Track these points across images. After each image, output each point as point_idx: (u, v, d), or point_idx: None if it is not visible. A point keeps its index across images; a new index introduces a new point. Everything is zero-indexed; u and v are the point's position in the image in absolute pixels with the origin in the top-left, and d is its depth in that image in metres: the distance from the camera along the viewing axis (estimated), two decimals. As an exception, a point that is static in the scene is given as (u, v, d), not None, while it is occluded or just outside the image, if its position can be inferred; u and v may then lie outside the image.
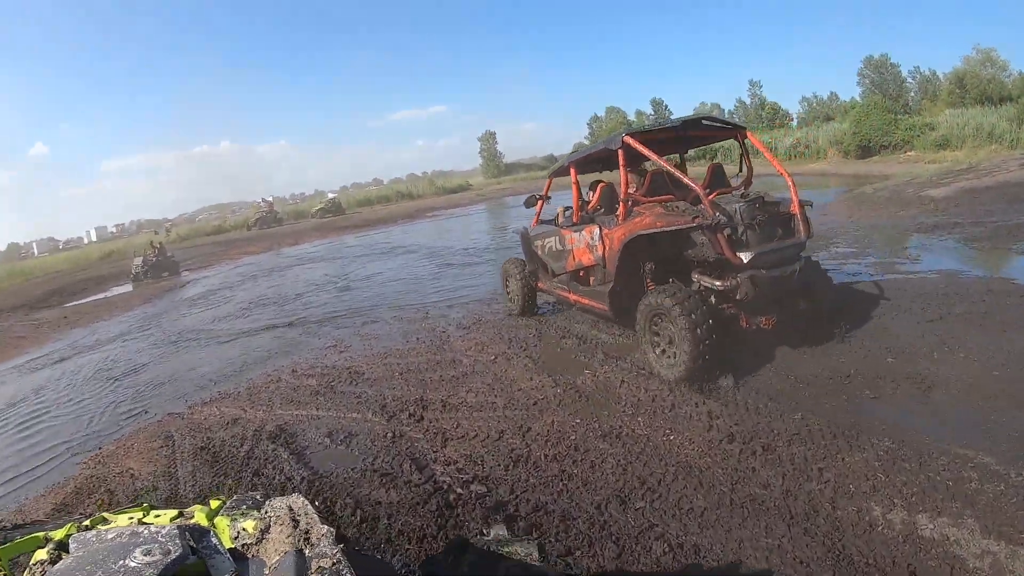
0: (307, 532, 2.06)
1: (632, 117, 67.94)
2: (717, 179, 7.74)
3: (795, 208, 6.80)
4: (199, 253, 36.99)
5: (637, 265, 7.31)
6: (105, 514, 2.41)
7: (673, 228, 6.53)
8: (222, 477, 6.10)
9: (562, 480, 5.14)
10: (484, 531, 4.44)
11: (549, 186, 10.42)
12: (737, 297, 6.57)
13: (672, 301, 6.35)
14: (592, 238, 7.84)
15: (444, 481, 5.34)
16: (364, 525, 4.79)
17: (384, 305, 13.70)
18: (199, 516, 2.30)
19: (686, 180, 6.90)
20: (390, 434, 6.50)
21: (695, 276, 6.88)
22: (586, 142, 71.51)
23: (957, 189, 17.97)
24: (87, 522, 2.28)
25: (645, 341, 6.99)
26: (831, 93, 61.76)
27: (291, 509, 2.23)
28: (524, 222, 12.03)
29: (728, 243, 6.32)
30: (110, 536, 1.86)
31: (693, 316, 6.24)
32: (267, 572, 1.88)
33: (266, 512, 2.26)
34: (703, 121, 8.16)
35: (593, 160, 8.92)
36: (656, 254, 7.16)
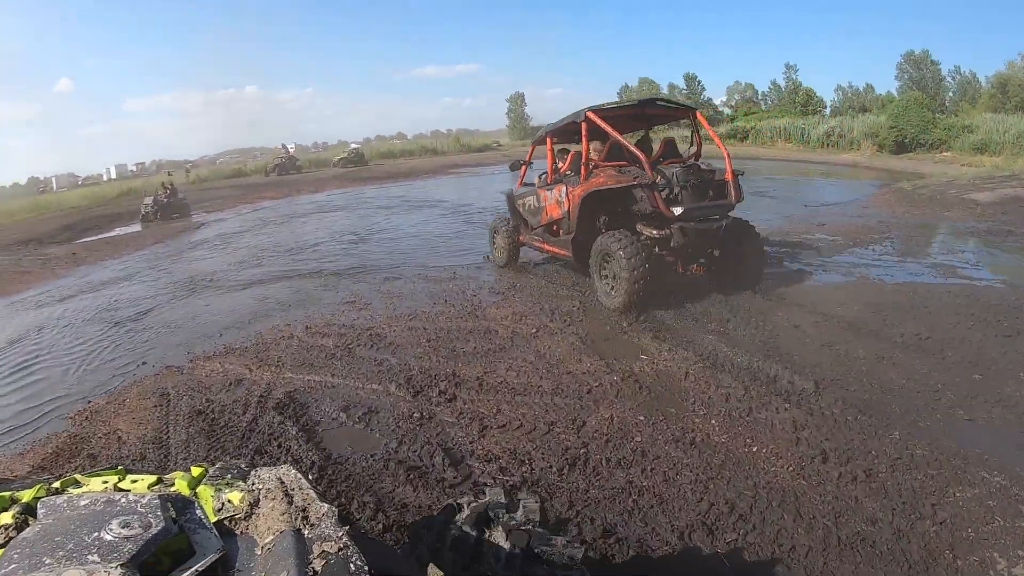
0: (304, 510, 1.81)
1: (664, 90, 66.56)
2: (670, 151, 9.31)
3: (728, 176, 8.18)
4: (217, 196, 35.96)
5: (594, 217, 8.71)
6: (77, 476, 2.13)
7: (619, 186, 8.10)
8: (219, 452, 5.27)
9: (631, 495, 4.25)
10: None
11: (532, 153, 11.63)
12: (671, 244, 8.00)
13: (616, 245, 7.80)
14: (560, 195, 9.23)
15: (485, 483, 4.43)
16: (387, 534, 3.96)
17: (407, 262, 12.89)
18: (180, 484, 2.05)
19: (633, 149, 8.28)
20: (417, 414, 5.64)
21: (638, 226, 8.25)
22: None
23: (1002, 196, 17.12)
24: (57, 484, 2.01)
25: (596, 276, 8.46)
26: (867, 84, 60.48)
27: (282, 482, 1.97)
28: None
29: (663, 200, 7.76)
30: (83, 503, 1.70)
31: (632, 258, 7.60)
32: (259, 552, 1.65)
33: (253, 483, 2.00)
34: (657, 102, 10.08)
35: (566, 131, 9.91)
36: (608, 208, 8.59)
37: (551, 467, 4.62)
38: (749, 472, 4.47)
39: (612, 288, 8.06)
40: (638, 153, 8.06)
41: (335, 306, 9.68)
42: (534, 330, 7.69)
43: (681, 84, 66.70)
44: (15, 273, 17.05)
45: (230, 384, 6.79)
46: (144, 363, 7.95)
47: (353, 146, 64.93)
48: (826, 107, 59.45)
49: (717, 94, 77.38)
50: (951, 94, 52.99)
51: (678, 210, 7.74)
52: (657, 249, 8.08)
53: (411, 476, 4.59)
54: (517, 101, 77.59)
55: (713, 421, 5.21)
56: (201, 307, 10.76)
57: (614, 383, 6.00)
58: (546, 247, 10.07)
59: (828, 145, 41.56)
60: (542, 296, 9.21)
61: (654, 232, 8.06)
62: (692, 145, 9.73)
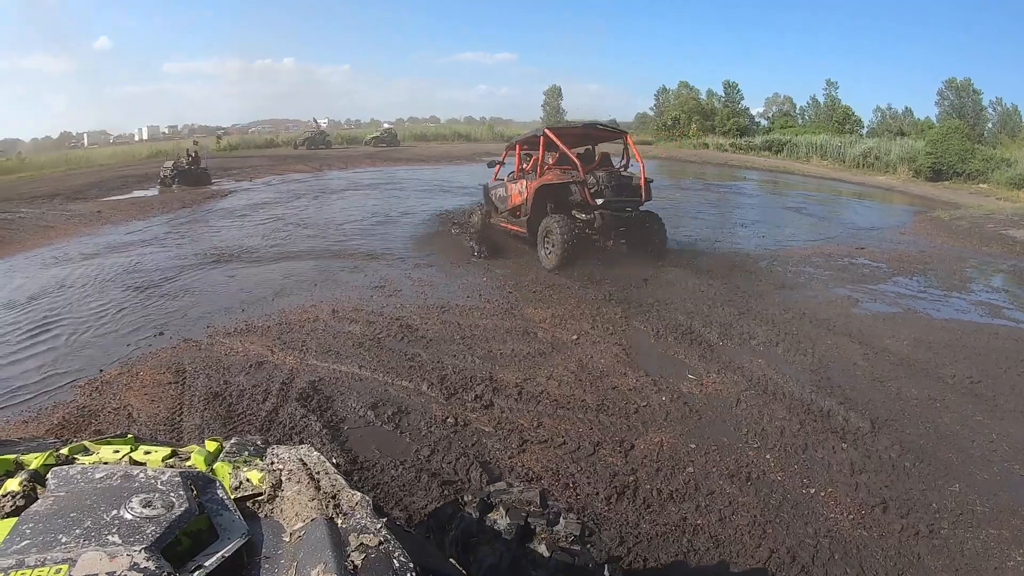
0: (334, 496, 1.69)
1: (703, 97, 66.20)
2: (605, 161, 12.08)
3: (642, 182, 11.01)
4: (247, 165, 35.49)
5: (544, 204, 11.26)
6: (87, 442, 2.07)
7: (560, 182, 11.02)
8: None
9: (686, 533, 3.96)
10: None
11: (505, 155, 13.83)
12: (595, 225, 10.74)
13: (555, 224, 10.51)
14: (522, 188, 11.81)
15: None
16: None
17: (439, 250, 12.63)
18: (196, 459, 2.00)
19: (573, 157, 11.10)
20: (451, 419, 5.35)
21: (573, 212, 10.99)
22: (650, 112, 70.83)
23: (1043, 236, 16.70)
24: (65, 450, 1.96)
25: (540, 246, 11.01)
26: (906, 108, 59.77)
27: (304, 464, 1.87)
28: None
29: (590, 193, 10.61)
30: (98, 475, 1.62)
31: (564, 234, 10.32)
32: (287, 539, 1.54)
33: (272, 462, 1.91)
34: (598, 126, 13.07)
35: (531, 142, 12.75)
36: (554, 198, 11.20)
37: (598, 494, 4.32)
38: (808, 517, 4.19)
39: (549, 253, 10.71)
40: (576, 160, 11.04)
41: (364, 290, 9.42)
42: (575, 336, 7.40)
43: (720, 91, 66.24)
44: (39, 227, 16.85)
45: (250, 366, 6.51)
46: (161, 333, 7.69)
47: (386, 125, 64.55)
48: (863, 127, 59.02)
49: (755, 104, 76.68)
50: (990, 125, 52.36)
51: (600, 201, 10.59)
52: (587, 229, 10.90)
53: (444, 492, 4.30)
54: (553, 94, 77.09)
55: (768, 455, 4.91)
56: (224, 278, 10.52)
57: (663, 404, 5.71)
58: (509, 227, 12.53)
59: (863, 166, 40.98)
60: (581, 300, 8.95)
61: (583, 216, 10.90)
62: (623, 158, 12.31)
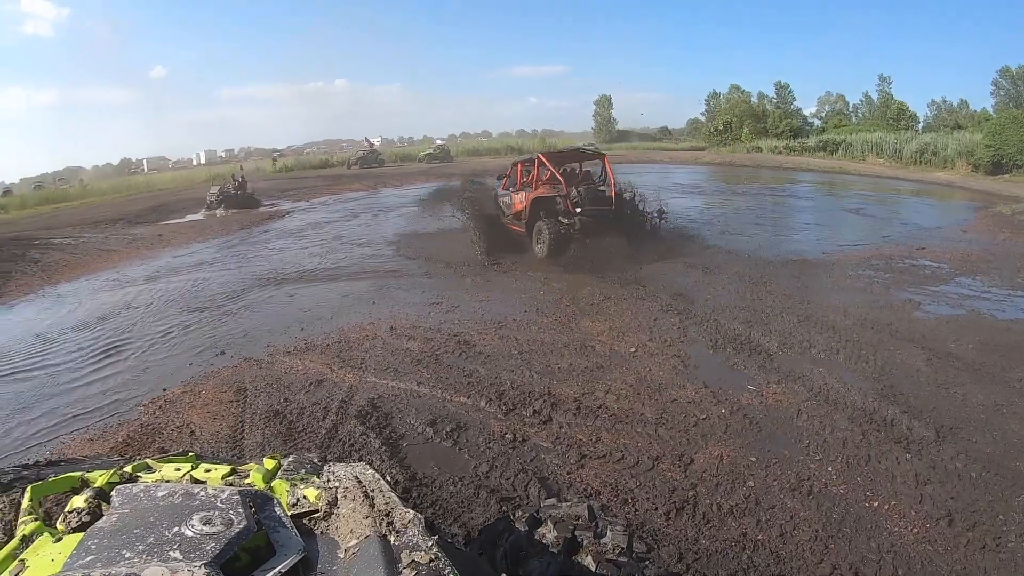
0: (388, 514, 1.76)
1: (754, 99, 65.40)
2: (586, 177, 14.74)
3: (612, 193, 13.46)
4: (303, 185, 36.44)
5: (537, 211, 13.62)
6: (149, 460, 2.20)
7: (548, 195, 13.41)
8: (297, 462, 5.08)
9: (746, 550, 3.93)
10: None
11: (510, 171, 16.19)
12: (576, 227, 12.87)
13: (545, 226, 13.02)
14: (521, 198, 14.33)
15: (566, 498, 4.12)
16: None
17: (495, 263, 12.82)
18: (255, 477, 2.09)
19: (558, 176, 13.68)
20: (510, 435, 5.39)
21: (559, 218, 13.21)
22: (701, 118, 70.48)
23: (1112, 231, 16.05)
24: (128, 468, 2.06)
25: (533, 242, 13.48)
26: (961, 100, 58.10)
27: (359, 481, 1.95)
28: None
29: (571, 204, 12.97)
30: (160, 493, 1.71)
31: (552, 233, 12.80)
32: (341, 555, 1.62)
33: (328, 480, 1.99)
34: (581, 149, 16.57)
35: (528, 162, 15.25)
36: (545, 207, 13.56)
37: (657, 509, 4.32)
38: (871, 531, 4.12)
39: (541, 247, 13.30)
40: (560, 179, 13.68)
41: (421, 307, 9.54)
42: (633, 349, 7.38)
43: (771, 92, 65.37)
44: (102, 251, 17.52)
45: (310, 384, 6.66)
46: (223, 353, 7.92)
47: (439, 142, 65.62)
48: (919, 122, 57.73)
49: (808, 104, 75.54)
50: (1051, 112, 50.70)
51: (579, 209, 13.03)
52: (570, 230, 13.10)
53: (503, 508, 4.32)
54: (604, 104, 77.02)
55: (830, 468, 4.83)
56: (284, 298, 10.77)
57: (722, 416, 5.67)
58: (512, 226, 15.05)
59: (920, 162, 39.97)
60: (639, 312, 8.92)
61: (564, 220, 13.21)
62: (603, 174, 14.49)
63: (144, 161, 78.13)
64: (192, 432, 5.71)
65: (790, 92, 64.65)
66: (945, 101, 59.18)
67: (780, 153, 50.57)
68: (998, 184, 29.45)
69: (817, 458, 4.97)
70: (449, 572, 1.52)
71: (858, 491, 4.54)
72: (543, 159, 14.50)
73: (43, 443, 5.76)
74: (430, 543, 1.63)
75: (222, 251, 16.39)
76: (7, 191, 47.97)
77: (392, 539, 1.66)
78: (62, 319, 10.41)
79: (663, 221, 14.31)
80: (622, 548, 2.78)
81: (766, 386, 6.34)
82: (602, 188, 14.05)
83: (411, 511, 1.80)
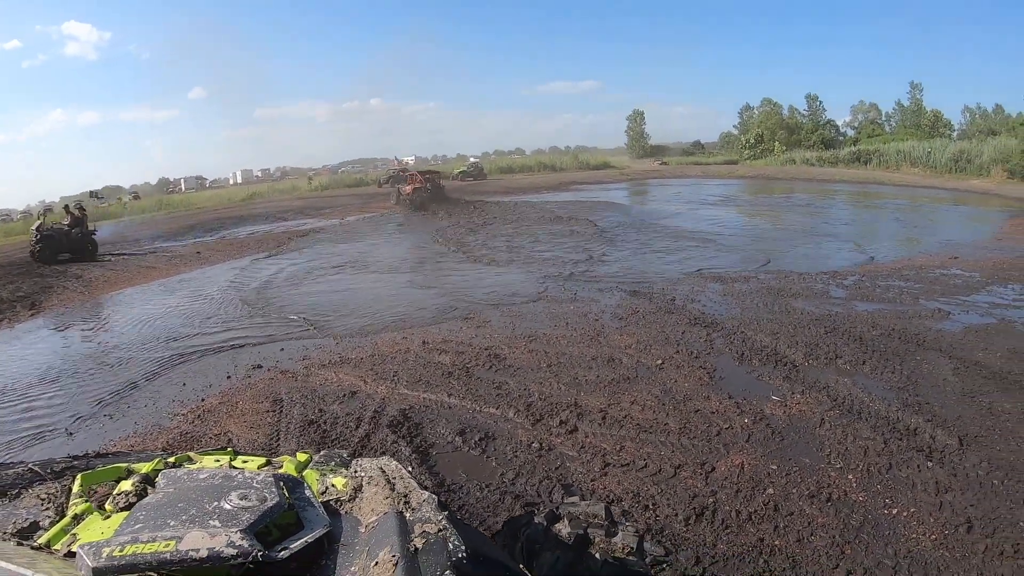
0: (406, 496, 1.99)
1: (786, 112, 65.13)
2: (434, 179, 35.12)
3: (437, 184, 34.41)
4: (335, 204, 37.96)
5: (415, 192, 32.32)
6: (191, 454, 2.41)
7: (415, 185, 33.23)
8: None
9: (763, 555, 4.04)
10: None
11: (407, 177, 37.05)
12: (424, 197, 31.56)
13: (416, 197, 31.53)
14: (407, 187, 33.13)
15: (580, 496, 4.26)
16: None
17: (522, 280, 12.92)
18: (288, 466, 2.31)
19: (420, 178, 34.41)
20: (536, 444, 5.54)
21: (420, 194, 32.02)
22: (734, 131, 71.50)
23: None
24: (172, 459, 2.28)
25: (410, 205, 31.11)
26: (996, 105, 57.44)
27: (383, 471, 2.19)
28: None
29: (425, 188, 32.67)
30: (202, 476, 1.94)
31: (415, 200, 31.20)
32: (362, 530, 1.85)
33: (355, 471, 2.23)
34: (430, 171, 40.86)
35: (406, 172, 41.72)
36: (414, 190, 32.31)
37: (677, 515, 4.44)
38: (889, 537, 4.19)
39: (410, 204, 30.75)
40: (421, 178, 33.86)
41: (452, 321, 9.75)
42: (659, 361, 7.48)
43: (802, 105, 65.12)
44: (141, 268, 18.22)
45: (344, 395, 6.88)
46: (259, 366, 8.17)
47: (472, 160, 66.56)
48: (953, 129, 57.05)
49: (840, 115, 75.19)
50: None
51: (413, 186, 32.82)
52: (421, 196, 31.25)
53: (527, 513, 4.42)
54: (636, 119, 77.25)
55: (850, 476, 4.91)
56: (323, 304, 11.20)
57: (745, 426, 5.77)
58: (405, 197, 31.62)
59: (956, 170, 39.46)
60: (666, 324, 9.01)
61: (406, 188, 32.64)
62: (439, 179, 35.84)
63: (182, 180, 79.55)
64: (230, 440, 5.97)
65: (820, 104, 64.44)
66: (979, 107, 58.53)
67: (813, 165, 50.35)
68: (1034, 190, 29.07)
69: (838, 466, 5.05)
70: (454, 539, 1.70)
71: (877, 498, 4.61)
72: (416, 173, 35.37)
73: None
74: (440, 517, 1.82)
75: (253, 267, 16.74)
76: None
77: (408, 515, 1.86)
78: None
79: None
80: (631, 548, 2.92)
81: (790, 396, 6.44)
82: (439, 183, 34.27)
83: (427, 492, 2.01)
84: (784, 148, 57.50)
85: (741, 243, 16.68)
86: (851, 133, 62.01)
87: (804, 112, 64.46)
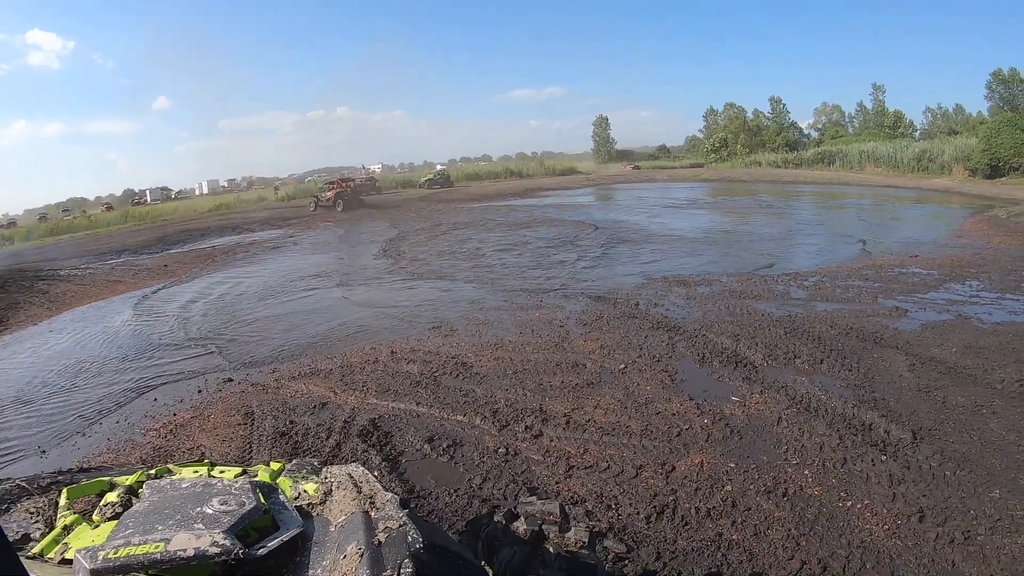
0: (371, 497, 2.11)
1: (750, 115, 65.92)
2: (367, 180, 53.23)
3: (355, 185, 46.24)
4: (302, 215, 38.44)
5: (337, 196, 41.23)
6: (171, 466, 2.51)
7: (337, 189, 42.63)
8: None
9: (720, 548, 4.17)
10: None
11: (331, 185, 45.04)
12: (345, 197, 40.68)
13: (339, 202, 40.86)
14: (330, 192, 42.39)
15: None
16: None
17: (489, 287, 13.03)
18: (263, 475, 2.42)
19: (341, 184, 43.65)
20: (502, 449, 5.65)
21: (343, 198, 41.89)
22: (699, 135, 72.51)
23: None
24: (153, 471, 2.37)
25: (333, 207, 40.20)
26: (956, 105, 58.76)
27: (351, 476, 2.31)
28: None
29: (347, 191, 42.19)
30: (184, 485, 2.05)
31: (340, 202, 40.34)
32: (332, 530, 1.97)
33: (326, 477, 2.36)
34: (361, 178, 54.84)
35: (333, 182, 45.91)
36: (337, 194, 41.71)
37: (638, 514, 4.55)
38: (843, 529, 4.33)
39: (338, 207, 39.25)
40: (342, 185, 42.81)
41: (420, 330, 9.82)
42: (622, 365, 7.59)
43: (766, 108, 65.85)
44: (108, 281, 18.12)
45: (314, 406, 6.95)
46: (230, 379, 8.21)
47: (439, 167, 66.52)
48: (915, 129, 57.94)
49: (804, 117, 76.39)
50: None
51: (350, 190, 42.29)
52: (343, 197, 40.66)
53: (488, 512, 4.54)
54: (601, 124, 77.67)
55: (806, 471, 5.05)
56: (290, 319, 11.07)
57: (704, 426, 5.89)
58: (327, 203, 40.22)
59: (918, 170, 40.06)
60: (629, 330, 9.11)
61: (343, 198, 40.55)
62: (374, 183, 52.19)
63: (147, 192, 78.78)
64: (203, 454, 6.05)
65: (784, 106, 65.16)
66: (940, 107, 59.58)
67: (779, 167, 50.89)
68: (996, 188, 29.61)
69: (794, 462, 5.19)
70: (413, 532, 1.85)
71: (832, 492, 4.75)
72: (338, 181, 44.32)
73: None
74: (401, 514, 1.96)
75: (224, 279, 16.65)
76: (12, 222, 48.98)
77: (373, 513, 1.99)
78: None
79: None
80: (583, 543, 3.06)
81: (749, 396, 6.58)
82: (369, 185, 49.12)
83: (390, 493, 2.14)
84: (747, 151, 58.18)
85: (705, 246, 16.88)
86: (815, 135, 62.88)
87: (768, 115, 65.22)
